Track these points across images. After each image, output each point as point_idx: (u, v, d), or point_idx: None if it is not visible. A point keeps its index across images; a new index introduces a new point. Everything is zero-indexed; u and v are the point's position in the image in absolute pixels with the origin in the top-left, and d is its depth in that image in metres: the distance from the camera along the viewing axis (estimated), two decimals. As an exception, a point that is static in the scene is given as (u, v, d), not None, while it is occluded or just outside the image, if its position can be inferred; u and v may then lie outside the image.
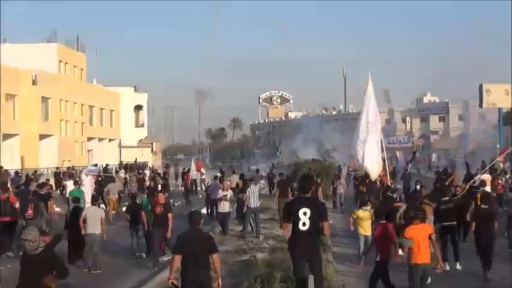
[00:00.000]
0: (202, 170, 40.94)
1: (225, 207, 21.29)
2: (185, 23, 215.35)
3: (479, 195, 17.56)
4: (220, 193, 21.67)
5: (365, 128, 20.64)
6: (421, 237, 11.48)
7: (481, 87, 62.43)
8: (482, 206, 15.28)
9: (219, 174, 29.05)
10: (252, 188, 21.79)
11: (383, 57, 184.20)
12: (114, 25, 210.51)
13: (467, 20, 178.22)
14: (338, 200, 28.32)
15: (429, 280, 12.00)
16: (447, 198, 16.51)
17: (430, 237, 11.55)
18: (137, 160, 54.42)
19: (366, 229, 15.80)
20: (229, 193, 21.89)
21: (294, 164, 35.19)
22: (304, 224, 9.73)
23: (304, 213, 9.75)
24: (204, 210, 23.12)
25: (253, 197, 21.55)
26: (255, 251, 18.03)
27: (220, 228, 20.99)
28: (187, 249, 9.39)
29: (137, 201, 19.08)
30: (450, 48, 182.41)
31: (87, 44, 67.03)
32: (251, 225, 20.74)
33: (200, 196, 34.14)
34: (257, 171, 39.45)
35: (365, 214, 16.05)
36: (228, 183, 23.11)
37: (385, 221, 13.39)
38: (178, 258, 9.36)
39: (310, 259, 9.89)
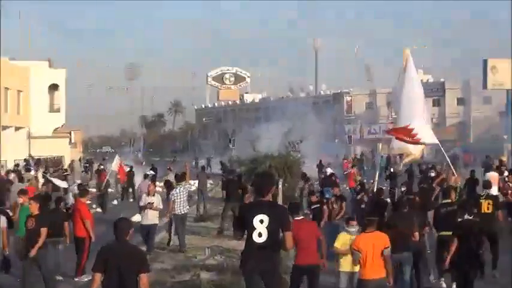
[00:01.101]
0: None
1: (149, 217, 20.66)
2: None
3: (482, 200, 17.13)
4: (144, 199, 20.99)
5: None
6: (374, 247, 11.82)
7: (485, 63, 63.41)
8: (466, 216, 14.06)
9: (150, 172, 29.06)
10: (177, 191, 22.08)
11: (364, 26, 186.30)
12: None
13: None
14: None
15: None
16: (449, 200, 16.50)
17: (382, 253, 11.84)
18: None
19: (345, 264, 13.88)
20: (157, 199, 21.23)
21: (251, 160, 35.49)
22: (260, 235, 9.81)
23: (261, 221, 9.84)
24: (137, 218, 22.57)
25: (179, 201, 21.92)
26: (199, 269, 18.25)
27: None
28: (110, 266, 9.41)
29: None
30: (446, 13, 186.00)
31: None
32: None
33: (131, 200, 34.65)
34: (203, 168, 39.81)
35: (346, 239, 13.98)
36: (152, 186, 21.99)
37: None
38: (99, 278, 9.35)
39: (267, 279, 9.98)
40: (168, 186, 24.76)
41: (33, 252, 15.01)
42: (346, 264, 13.49)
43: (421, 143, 23.19)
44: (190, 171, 27.52)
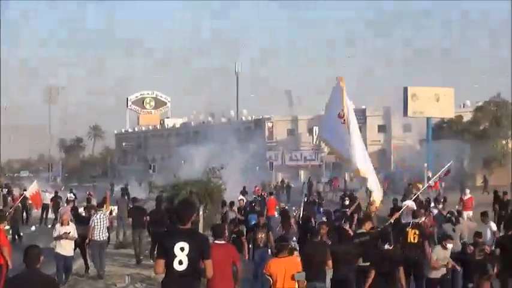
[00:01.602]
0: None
1: (65, 247, 19.57)
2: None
3: (408, 229, 16.39)
4: (58, 229, 19.78)
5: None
6: (286, 271, 11.90)
7: (405, 91, 64.06)
8: (386, 246, 13.40)
9: (71, 195, 28.68)
10: (97, 217, 21.73)
11: (288, 51, 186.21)
12: None
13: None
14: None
15: None
16: (363, 230, 15.97)
17: (292, 277, 11.81)
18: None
19: None
20: (72, 227, 20.11)
21: (172, 186, 34.60)
22: (180, 263, 9.80)
23: (181, 249, 9.82)
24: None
25: (98, 227, 21.53)
26: None
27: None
28: None
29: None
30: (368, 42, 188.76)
31: None
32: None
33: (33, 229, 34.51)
34: (122, 194, 39.35)
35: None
36: (66, 215, 20.79)
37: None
38: None
39: None
40: (89, 211, 23.73)
41: None
42: None
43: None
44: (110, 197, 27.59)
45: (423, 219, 19.19)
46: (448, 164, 27.74)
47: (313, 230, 18.23)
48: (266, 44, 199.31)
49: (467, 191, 34.00)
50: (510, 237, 15.57)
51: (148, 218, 24.93)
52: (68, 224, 19.79)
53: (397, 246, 14.39)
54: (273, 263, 12.39)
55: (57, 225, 19.89)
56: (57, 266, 19.20)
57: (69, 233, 19.25)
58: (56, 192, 41.45)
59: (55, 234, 19.66)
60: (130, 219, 26.35)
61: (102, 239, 21.82)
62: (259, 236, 19.03)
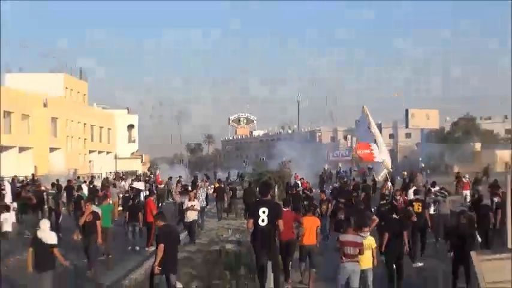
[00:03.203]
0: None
1: (190, 217, 17.91)
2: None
3: (414, 203, 15.01)
4: (186, 203, 18.15)
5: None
6: (312, 225, 11.73)
7: (407, 111, 64.03)
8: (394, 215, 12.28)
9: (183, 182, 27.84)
10: (199, 192, 21.51)
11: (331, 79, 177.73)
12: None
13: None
14: None
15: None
16: (383, 201, 15.64)
17: (316, 229, 11.70)
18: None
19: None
20: (196, 202, 18.51)
21: (258, 173, 34.77)
22: (263, 221, 9.69)
23: (263, 212, 9.70)
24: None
25: (201, 198, 21.07)
26: (225, 242, 17.47)
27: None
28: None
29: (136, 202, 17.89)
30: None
31: (89, 69, 67.15)
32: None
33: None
34: (207, 177, 38.43)
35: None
36: (193, 193, 18.98)
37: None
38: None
39: (269, 249, 9.81)
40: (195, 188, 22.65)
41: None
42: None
43: (374, 160, 23.41)
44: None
45: (399, 198, 16.95)
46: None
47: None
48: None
49: (467, 175, 30.52)
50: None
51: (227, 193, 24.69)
52: (194, 200, 18.32)
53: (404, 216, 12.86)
54: (305, 219, 12.08)
55: (186, 201, 18.34)
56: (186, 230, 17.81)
57: (194, 205, 17.91)
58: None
59: (184, 206, 18.31)
60: (215, 194, 25.03)
61: (203, 205, 21.03)
62: (324, 207, 17.59)
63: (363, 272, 10.30)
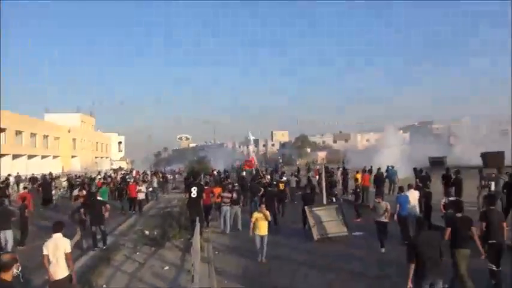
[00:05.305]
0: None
1: (140, 196, 21.84)
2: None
3: None
4: (137, 187, 22.11)
5: None
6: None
7: (272, 132, 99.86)
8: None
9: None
10: (154, 179, 27.45)
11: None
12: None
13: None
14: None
15: None
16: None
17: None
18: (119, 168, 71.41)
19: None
20: (144, 187, 22.79)
21: (191, 167, 45.18)
22: (194, 194, 13.37)
23: (194, 189, 13.52)
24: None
25: (154, 183, 26.73)
26: (173, 207, 22.36)
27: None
28: None
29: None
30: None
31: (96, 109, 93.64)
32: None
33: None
34: (160, 171, 46.22)
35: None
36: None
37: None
38: None
39: (197, 209, 13.68)
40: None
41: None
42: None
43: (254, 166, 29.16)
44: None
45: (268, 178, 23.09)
46: None
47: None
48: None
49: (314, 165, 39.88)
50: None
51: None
52: (142, 185, 22.98)
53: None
54: (216, 190, 14.76)
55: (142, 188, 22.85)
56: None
57: (141, 189, 22.48)
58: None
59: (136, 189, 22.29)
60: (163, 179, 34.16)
61: (155, 186, 27.07)
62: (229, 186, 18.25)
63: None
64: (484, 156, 36.94)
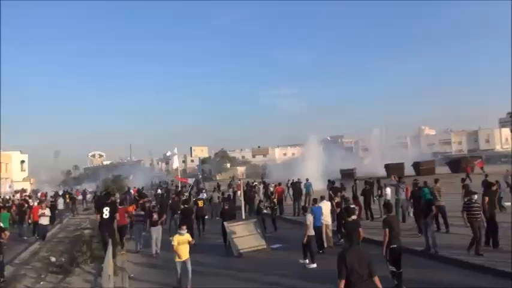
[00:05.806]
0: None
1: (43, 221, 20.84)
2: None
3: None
4: (40, 211, 21.33)
5: None
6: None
7: (191, 148, 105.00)
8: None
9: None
10: (59, 200, 28.08)
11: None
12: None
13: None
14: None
15: None
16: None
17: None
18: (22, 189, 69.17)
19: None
20: (47, 211, 21.52)
21: (105, 186, 43.49)
22: (106, 215, 13.07)
23: (106, 209, 13.18)
24: None
25: (60, 204, 27.50)
26: (83, 229, 21.92)
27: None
28: None
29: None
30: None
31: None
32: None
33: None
34: (67, 192, 43.85)
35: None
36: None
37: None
38: None
39: (109, 231, 13.34)
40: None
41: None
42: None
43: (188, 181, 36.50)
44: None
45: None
46: None
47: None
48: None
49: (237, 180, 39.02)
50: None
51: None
52: (45, 209, 21.74)
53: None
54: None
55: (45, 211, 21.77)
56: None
57: (44, 213, 21.40)
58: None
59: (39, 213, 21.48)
60: (70, 201, 34.30)
61: (62, 207, 28.01)
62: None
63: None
64: (387, 167, 42.58)
